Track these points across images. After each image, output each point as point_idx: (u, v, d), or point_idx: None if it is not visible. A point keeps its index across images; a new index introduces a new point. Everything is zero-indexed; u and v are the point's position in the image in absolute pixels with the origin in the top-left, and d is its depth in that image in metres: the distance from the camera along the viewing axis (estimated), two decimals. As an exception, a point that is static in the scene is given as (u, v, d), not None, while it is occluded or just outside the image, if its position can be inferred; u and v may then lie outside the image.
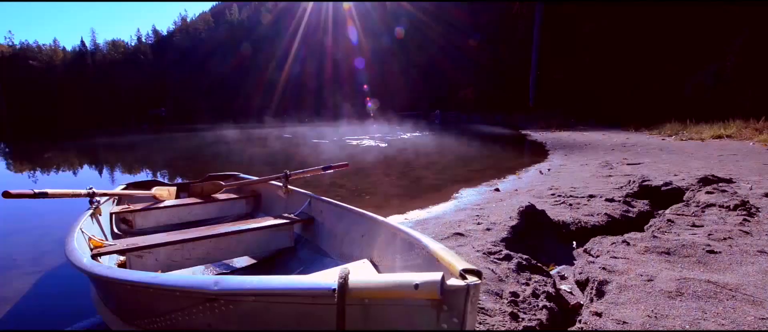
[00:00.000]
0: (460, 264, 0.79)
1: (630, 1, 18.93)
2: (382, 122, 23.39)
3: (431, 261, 1.16)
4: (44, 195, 1.96)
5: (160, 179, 4.40)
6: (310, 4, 51.05)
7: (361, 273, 1.63)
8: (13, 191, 1.84)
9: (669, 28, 17.61)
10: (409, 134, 14.45)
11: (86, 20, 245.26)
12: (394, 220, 2.70)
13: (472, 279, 0.64)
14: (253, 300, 0.66)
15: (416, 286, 0.58)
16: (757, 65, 13.51)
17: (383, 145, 10.74)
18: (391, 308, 0.59)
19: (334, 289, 0.59)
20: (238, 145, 11.41)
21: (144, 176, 6.83)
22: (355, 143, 11.42)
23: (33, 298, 2.20)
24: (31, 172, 7.38)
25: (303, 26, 50.39)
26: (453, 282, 0.61)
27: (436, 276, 0.59)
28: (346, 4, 44.65)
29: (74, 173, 7.29)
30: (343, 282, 0.59)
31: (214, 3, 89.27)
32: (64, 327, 1.82)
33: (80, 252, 1.45)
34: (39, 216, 4.02)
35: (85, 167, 8.18)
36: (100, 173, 7.30)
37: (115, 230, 2.71)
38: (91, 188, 2.34)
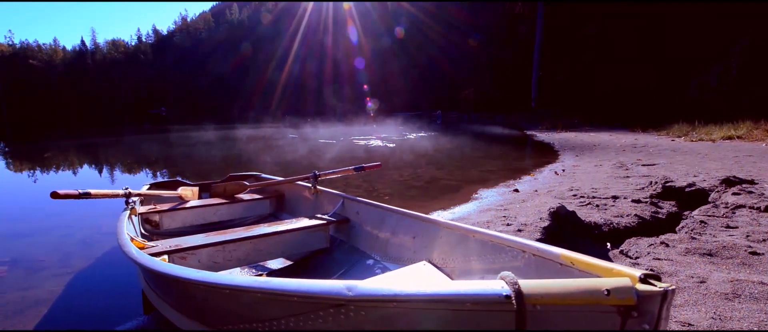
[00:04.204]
0: (625, 269, 0.78)
1: (632, 1, 18.94)
2: (383, 122, 23.36)
3: (544, 265, 1.12)
4: (87, 196, 1.94)
5: (160, 179, 4.36)
6: (310, 4, 51.12)
7: (427, 274, 1.62)
8: (60, 191, 1.82)
9: (672, 28, 17.64)
10: (414, 135, 14.43)
11: (86, 20, 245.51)
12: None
13: (663, 284, 0.63)
14: (393, 306, 0.64)
15: (608, 292, 0.57)
16: (762, 66, 13.53)
17: (391, 145, 10.72)
18: (568, 314, 0.58)
19: (509, 295, 0.57)
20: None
21: (144, 174, 6.85)
22: (362, 143, 11.40)
23: (69, 299, 2.17)
24: (31, 171, 7.36)
25: (303, 26, 50.47)
26: (645, 287, 0.61)
27: (625, 281, 0.59)
28: (346, 4, 44.72)
29: (74, 173, 7.27)
30: (518, 288, 0.58)
31: (214, 3, 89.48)
32: (112, 327, 1.79)
33: (136, 253, 1.44)
34: (55, 217, 3.96)
35: (85, 166, 8.16)
36: (100, 172, 7.29)
37: (142, 230, 2.69)
38: (127, 189, 2.31)
